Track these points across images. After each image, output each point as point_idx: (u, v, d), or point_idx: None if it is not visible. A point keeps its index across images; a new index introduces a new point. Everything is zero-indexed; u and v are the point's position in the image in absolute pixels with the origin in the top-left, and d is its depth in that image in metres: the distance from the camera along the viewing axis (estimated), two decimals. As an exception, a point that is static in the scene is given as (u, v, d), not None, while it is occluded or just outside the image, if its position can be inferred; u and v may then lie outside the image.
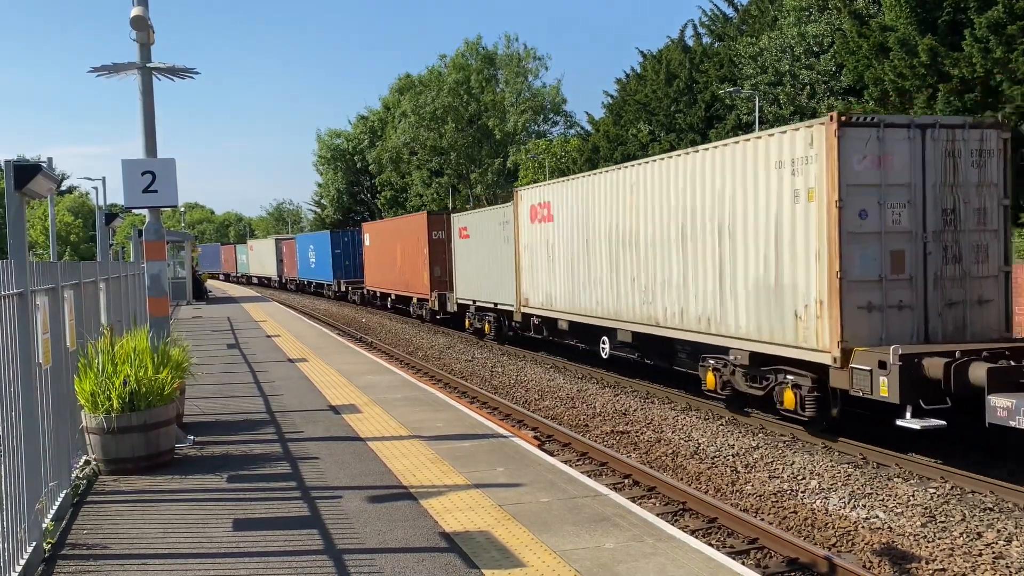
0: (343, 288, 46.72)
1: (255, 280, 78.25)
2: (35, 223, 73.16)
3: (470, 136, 70.10)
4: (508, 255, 22.81)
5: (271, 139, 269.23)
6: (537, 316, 21.36)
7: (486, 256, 24.74)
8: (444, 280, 29.64)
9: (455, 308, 28.36)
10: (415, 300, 33.40)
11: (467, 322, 27.27)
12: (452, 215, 28.81)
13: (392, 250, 35.66)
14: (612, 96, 52.65)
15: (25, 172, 6.18)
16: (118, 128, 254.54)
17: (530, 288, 21.46)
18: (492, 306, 24.59)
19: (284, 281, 65.98)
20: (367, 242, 41.08)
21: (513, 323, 23.29)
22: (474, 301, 26.28)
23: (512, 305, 22.77)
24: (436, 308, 30.20)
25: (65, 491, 7.55)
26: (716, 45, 45.77)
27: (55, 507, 7.14)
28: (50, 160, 27.00)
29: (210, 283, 75.75)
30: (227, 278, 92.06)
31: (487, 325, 25.29)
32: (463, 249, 27.24)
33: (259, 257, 74.23)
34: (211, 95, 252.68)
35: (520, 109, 67.70)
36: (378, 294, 39.79)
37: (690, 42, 47.88)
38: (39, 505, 6.39)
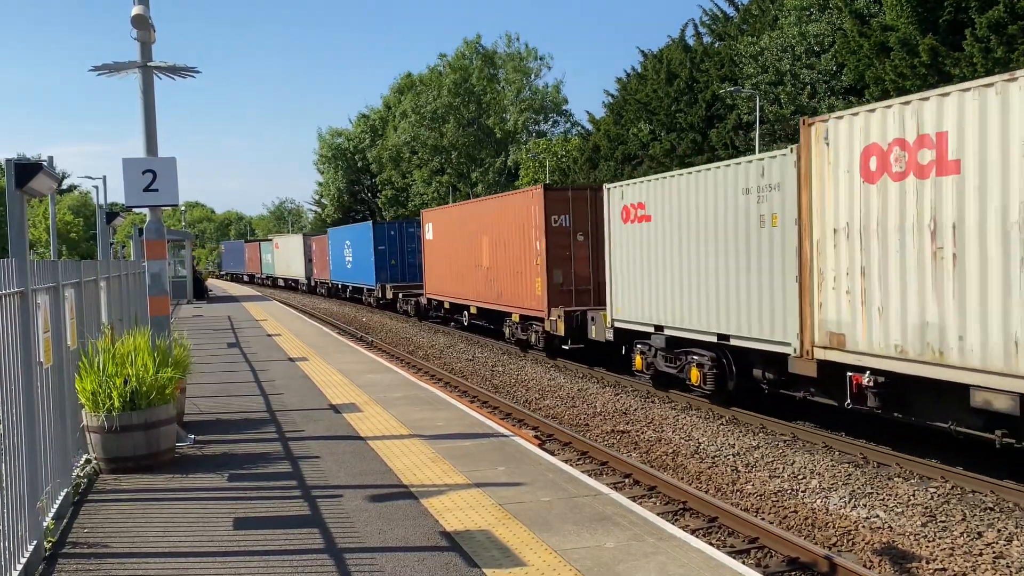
0: (389, 294, 37.14)
1: (281, 283, 67.96)
2: (36, 222, 73.23)
3: (471, 135, 70.15)
4: (769, 247, 12.80)
5: (271, 138, 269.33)
6: (879, 372, 10.79)
7: (697, 250, 14.57)
8: (569, 290, 20.29)
9: (609, 336, 17.84)
10: (515, 319, 22.95)
11: (637, 360, 16.82)
12: (607, 186, 17.94)
13: (473, 244, 25.89)
14: (613, 95, 52.67)
15: (26, 171, 6.18)
16: (118, 127, 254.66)
17: (857, 312, 11.01)
18: (712, 341, 14.28)
19: (313, 284, 56.16)
20: (428, 235, 31.12)
21: (781, 377, 13.04)
22: (658, 328, 15.81)
23: (780, 343, 12.53)
24: (561, 333, 19.66)
25: (66, 490, 7.56)
26: (717, 44, 45.77)
27: (56, 506, 7.14)
28: (51, 159, 27.03)
29: (227, 285, 75.28)
30: (251, 280, 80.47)
31: (694, 371, 14.72)
32: (635, 239, 16.54)
33: (285, 256, 63.67)
34: (212, 94, 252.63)
35: (520, 108, 67.76)
36: (446, 305, 29.73)
37: (691, 41, 47.89)
38: (40, 504, 6.40)
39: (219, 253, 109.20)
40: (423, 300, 32.71)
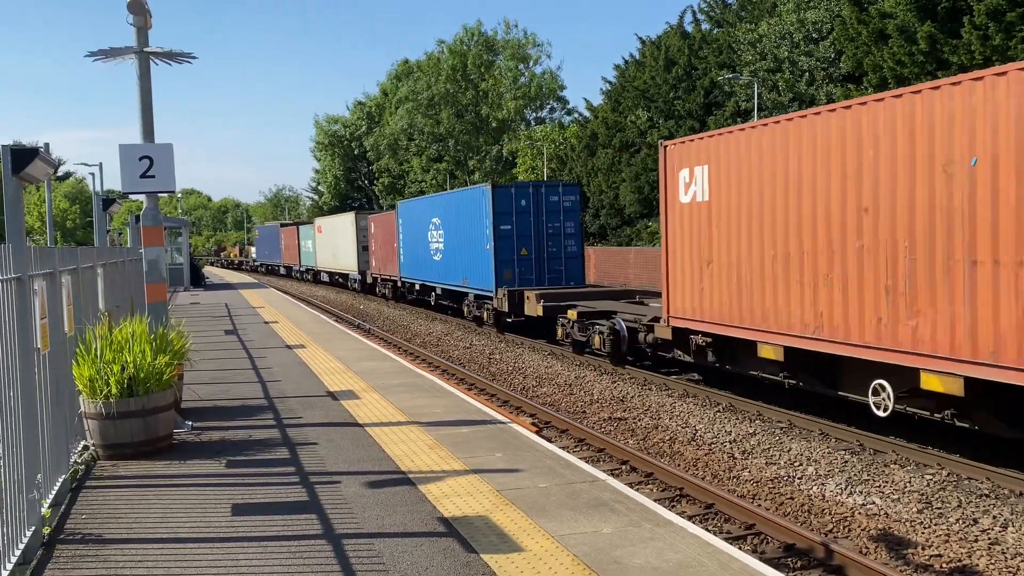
0: (534, 310, 21.56)
1: (324, 277, 52.90)
2: (31, 209, 73.01)
3: (468, 123, 70.02)
4: None
5: (268, 125, 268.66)
6: None
7: None
8: None
9: None
10: None
11: None
12: None
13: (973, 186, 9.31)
14: (611, 82, 52.55)
15: (22, 156, 6.15)
16: (113, 113, 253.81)
17: None
18: None
19: (372, 281, 40.43)
20: (690, 192, 14.67)
21: None
22: None
23: None
24: None
25: (63, 476, 7.56)
26: (715, 31, 45.66)
27: (54, 492, 7.14)
28: (47, 145, 26.98)
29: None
30: (289, 273, 65.58)
31: None
32: None
33: (331, 243, 48.49)
34: (208, 80, 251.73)
35: (514, 96, 67.62)
36: (765, 352, 12.74)
37: (689, 28, 47.75)
38: (37, 490, 6.40)
39: (252, 239, 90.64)
40: (627, 328, 17.26)
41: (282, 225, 70.05)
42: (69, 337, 8.45)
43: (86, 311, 9.72)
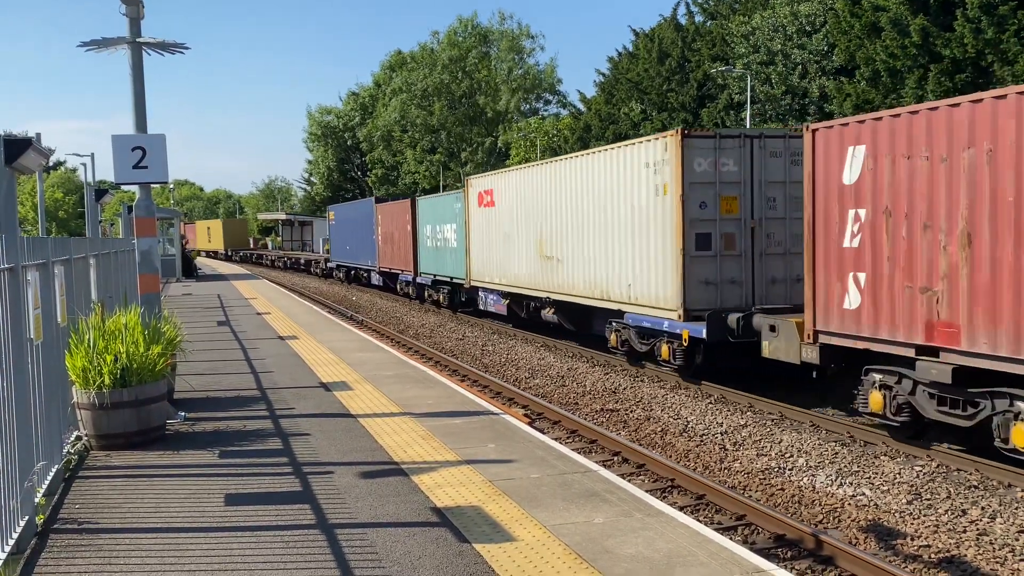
0: None
1: (492, 302, 24.15)
2: (23, 200, 72.61)
3: (461, 115, 69.91)
4: None
5: (261, 115, 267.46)
6: None
7: None
8: None
9: None
10: None
11: None
12: None
13: None
14: (604, 74, 52.51)
15: (15, 147, 6.16)
16: (102, 104, 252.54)
17: None
18: None
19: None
20: None
21: None
22: None
23: None
24: None
25: (56, 466, 7.57)
26: (708, 24, 45.64)
27: (47, 482, 7.15)
28: (38, 136, 26.87)
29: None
30: (385, 285, 37.18)
31: None
32: None
33: (532, 228, 20.27)
34: (201, 70, 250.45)
35: (511, 88, 67.51)
36: None
37: (683, 20, 47.70)
38: (31, 479, 6.41)
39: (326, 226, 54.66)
40: None
41: (378, 201, 38.59)
42: (62, 327, 8.45)
43: (79, 301, 9.71)
